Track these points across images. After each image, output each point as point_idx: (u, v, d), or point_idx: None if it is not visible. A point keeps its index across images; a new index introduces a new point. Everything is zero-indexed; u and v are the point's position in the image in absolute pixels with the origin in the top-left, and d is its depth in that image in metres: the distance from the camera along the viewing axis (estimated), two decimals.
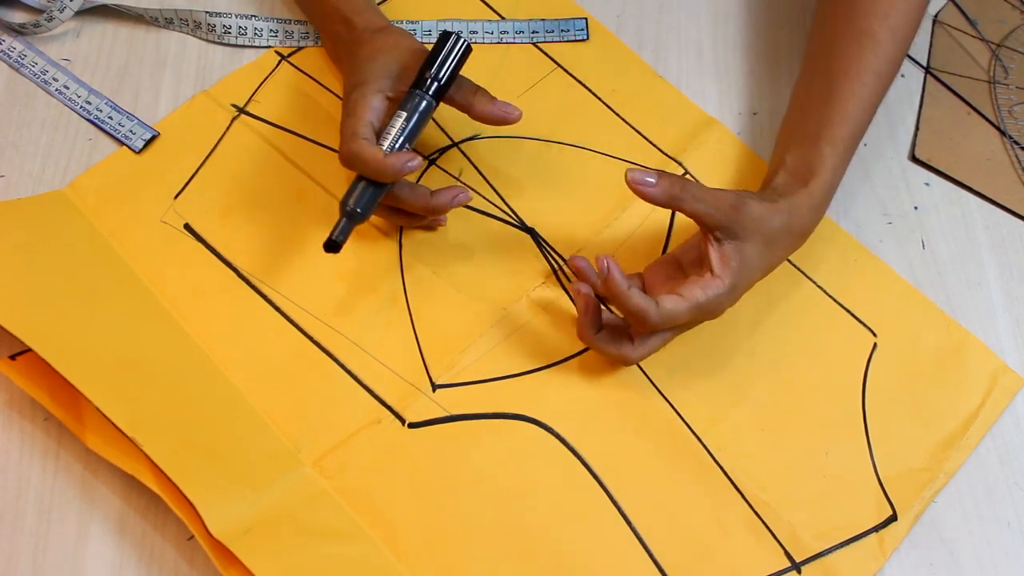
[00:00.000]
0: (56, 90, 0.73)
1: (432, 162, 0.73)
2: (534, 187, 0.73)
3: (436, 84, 0.65)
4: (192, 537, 0.58)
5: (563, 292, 0.69)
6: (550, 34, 0.81)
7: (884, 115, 0.81)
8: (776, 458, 0.65)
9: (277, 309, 0.66)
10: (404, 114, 0.64)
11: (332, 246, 0.62)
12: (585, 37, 0.81)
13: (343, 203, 0.63)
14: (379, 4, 0.80)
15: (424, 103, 0.65)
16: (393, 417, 0.64)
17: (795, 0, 0.86)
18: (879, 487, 0.65)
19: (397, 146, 0.64)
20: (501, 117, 0.67)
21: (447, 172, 0.73)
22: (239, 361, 0.64)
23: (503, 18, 0.81)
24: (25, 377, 0.59)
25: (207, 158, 0.71)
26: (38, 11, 0.76)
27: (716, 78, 0.81)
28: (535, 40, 0.80)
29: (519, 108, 0.67)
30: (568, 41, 0.81)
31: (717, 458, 0.64)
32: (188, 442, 0.59)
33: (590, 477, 0.63)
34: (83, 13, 0.76)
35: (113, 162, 0.70)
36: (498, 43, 0.80)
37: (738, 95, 0.80)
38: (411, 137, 0.64)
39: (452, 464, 0.63)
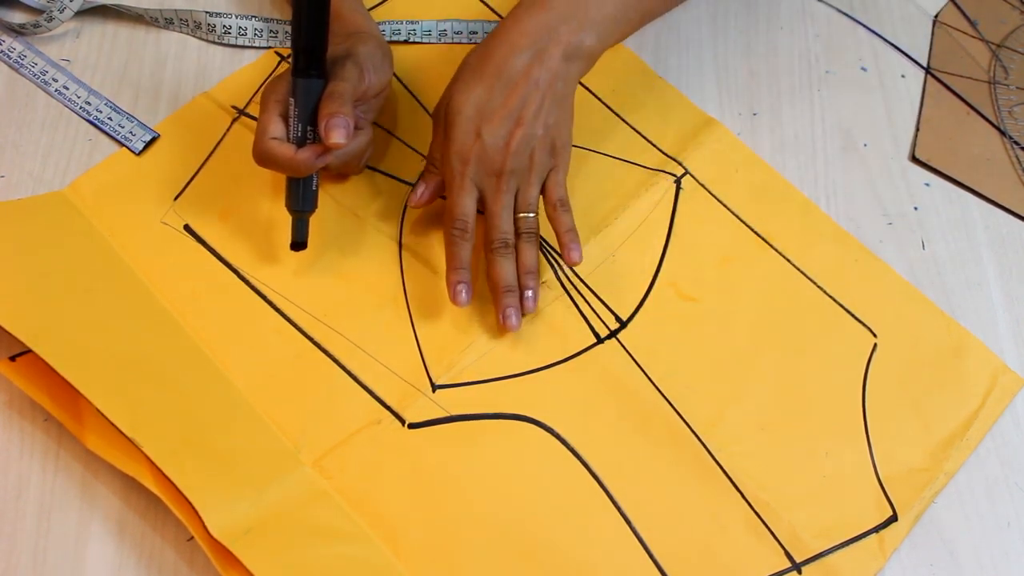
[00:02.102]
0: (56, 90, 0.73)
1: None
2: None
3: (296, 60, 0.63)
4: (192, 538, 0.57)
5: (563, 292, 0.69)
6: None
7: (884, 115, 0.81)
8: (776, 458, 0.65)
9: (277, 309, 0.66)
10: (292, 100, 0.63)
11: (297, 247, 0.65)
12: None
13: (287, 205, 0.65)
14: (379, 4, 0.80)
15: (300, 83, 0.63)
16: (393, 417, 0.64)
17: (795, 0, 0.86)
18: (879, 487, 0.65)
19: (300, 134, 0.63)
20: (323, 136, 0.62)
21: None
22: (239, 361, 0.64)
23: (503, 18, 0.81)
24: (25, 378, 0.59)
25: (207, 159, 0.71)
26: (38, 11, 0.76)
27: (716, 78, 0.81)
28: None
29: (344, 140, 0.62)
30: None
31: (717, 458, 0.64)
32: (188, 442, 0.59)
33: (590, 477, 0.63)
34: (83, 13, 0.76)
35: (113, 163, 0.70)
36: None
37: (738, 95, 0.80)
38: (308, 120, 0.63)
39: (452, 464, 0.63)
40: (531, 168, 0.67)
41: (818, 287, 0.71)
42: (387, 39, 0.78)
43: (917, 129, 0.81)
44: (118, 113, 0.72)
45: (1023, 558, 0.64)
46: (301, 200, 0.65)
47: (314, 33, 0.62)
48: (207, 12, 0.77)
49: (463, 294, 0.65)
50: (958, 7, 0.88)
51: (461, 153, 0.66)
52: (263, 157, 0.63)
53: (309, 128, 0.63)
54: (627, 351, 0.67)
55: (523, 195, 0.67)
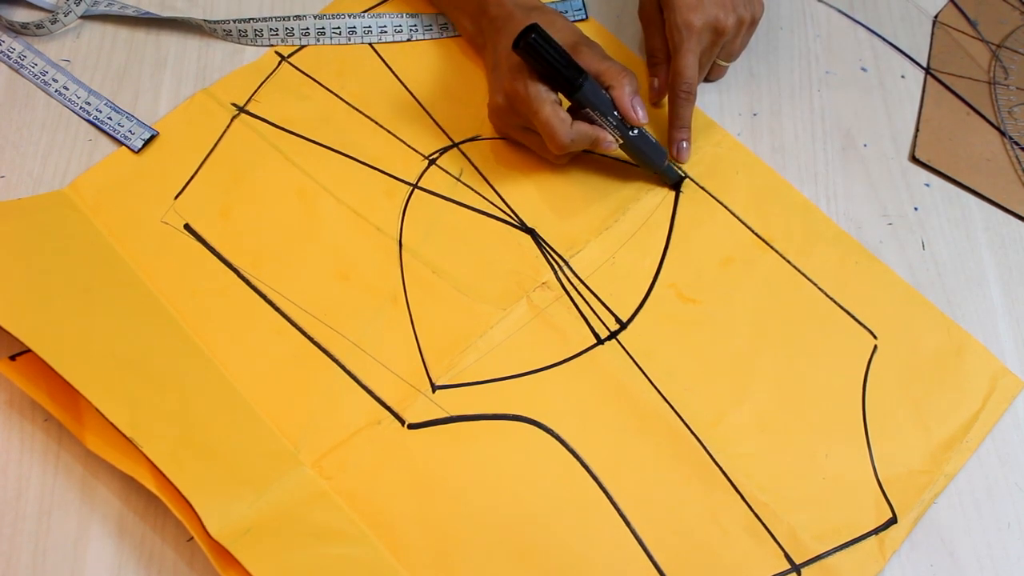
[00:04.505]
0: (56, 91, 0.73)
1: (432, 162, 0.73)
2: (534, 187, 0.73)
3: (569, 81, 0.67)
4: (192, 538, 0.58)
5: (563, 293, 0.69)
6: None
7: (884, 115, 0.81)
8: (776, 459, 0.65)
9: (277, 309, 0.66)
10: (589, 111, 0.69)
11: (679, 184, 0.74)
12: (584, 16, 0.82)
13: (654, 169, 0.73)
14: (379, 5, 0.80)
15: (587, 88, 0.68)
16: (393, 418, 0.64)
17: (795, 0, 0.86)
18: (879, 489, 0.65)
19: (619, 125, 0.70)
20: (633, 118, 0.70)
21: (447, 172, 0.73)
22: (239, 361, 0.64)
23: None
24: (25, 377, 0.59)
25: (207, 157, 0.71)
26: (42, 11, 0.76)
27: None
28: None
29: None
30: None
31: (717, 459, 0.64)
32: (187, 442, 0.59)
33: (589, 478, 0.63)
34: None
35: (113, 162, 0.70)
36: None
37: (738, 95, 0.80)
38: (612, 109, 0.69)
39: (452, 465, 0.63)
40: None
41: (818, 289, 0.71)
42: (389, 37, 0.78)
43: (917, 129, 0.81)
44: (118, 112, 0.72)
45: (1023, 558, 0.64)
46: (656, 153, 0.72)
47: (561, 53, 0.67)
48: (206, 20, 0.77)
49: (686, 152, 0.76)
50: (958, 7, 0.88)
51: (688, 21, 0.73)
52: (569, 143, 0.69)
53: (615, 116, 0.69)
54: (627, 352, 0.67)
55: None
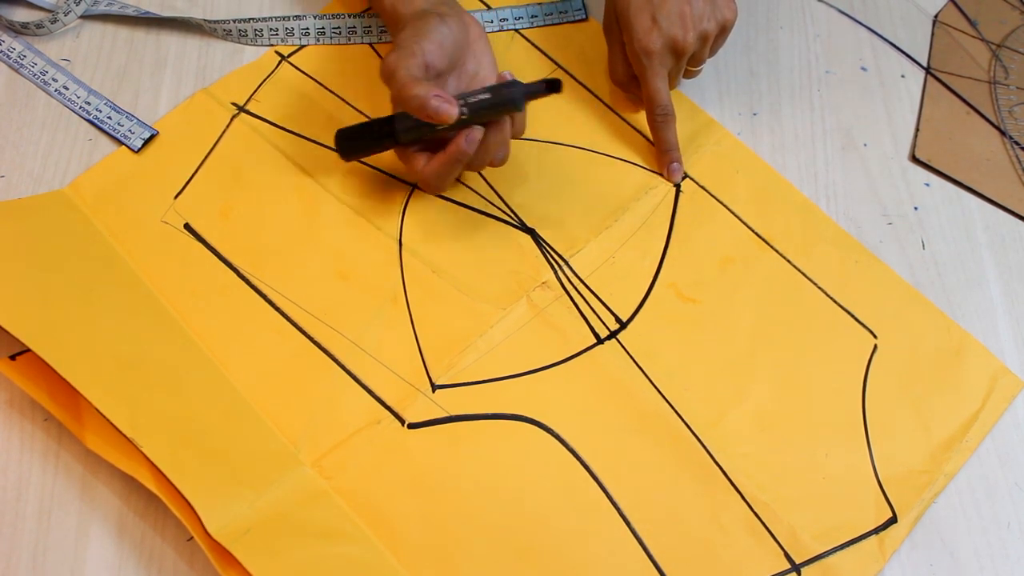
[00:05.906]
0: (56, 90, 0.73)
1: None
2: (534, 187, 0.73)
3: (389, 139, 0.68)
4: (192, 538, 0.58)
5: (563, 292, 0.69)
6: (549, 17, 0.81)
7: (884, 115, 0.81)
8: (776, 459, 0.65)
9: (277, 309, 0.66)
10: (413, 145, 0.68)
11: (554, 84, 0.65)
12: (584, 16, 0.82)
13: (520, 101, 0.65)
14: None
15: (399, 126, 0.67)
16: (393, 417, 0.64)
17: (795, 0, 0.86)
18: (879, 489, 0.65)
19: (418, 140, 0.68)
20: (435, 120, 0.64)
21: None
22: (239, 361, 0.64)
23: (489, 8, 0.81)
24: (25, 377, 0.59)
25: (207, 157, 0.71)
26: (41, 10, 0.76)
27: (716, 78, 0.81)
28: (535, 24, 0.81)
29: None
30: (569, 22, 0.82)
31: (717, 459, 0.64)
32: (187, 442, 0.59)
33: (589, 478, 0.63)
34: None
35: (113, 162, 0.70)
36: (499, 31, 0.80)
37: (738, 95, 0.80)
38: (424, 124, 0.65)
39: (452, 464, 0.63)
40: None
41: (818, 288, 0.71)
42: (389, 37, 0.78)
43: (917, 129, 0.81)
44: (117, 112, 0.72)
45: (1023, 558, 0.64)
46: (507, 101, 0.65)
47: (367, 126, 0.69)
48: (206, 20, 0.77)
49: (678, 172, 0.75)
50: (958, 7, 0.88)
51: (645, 48, 0.72)
52: (439, 180, 0.68)
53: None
54: (627, 352, 0.67)
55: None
